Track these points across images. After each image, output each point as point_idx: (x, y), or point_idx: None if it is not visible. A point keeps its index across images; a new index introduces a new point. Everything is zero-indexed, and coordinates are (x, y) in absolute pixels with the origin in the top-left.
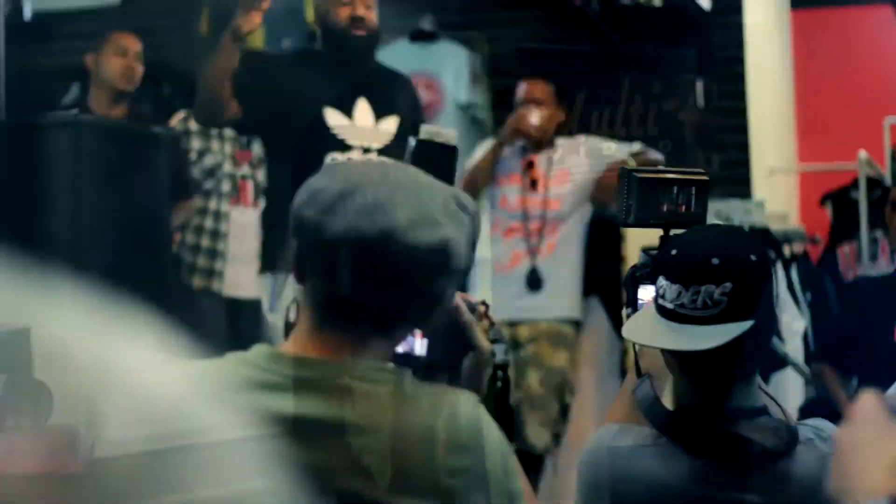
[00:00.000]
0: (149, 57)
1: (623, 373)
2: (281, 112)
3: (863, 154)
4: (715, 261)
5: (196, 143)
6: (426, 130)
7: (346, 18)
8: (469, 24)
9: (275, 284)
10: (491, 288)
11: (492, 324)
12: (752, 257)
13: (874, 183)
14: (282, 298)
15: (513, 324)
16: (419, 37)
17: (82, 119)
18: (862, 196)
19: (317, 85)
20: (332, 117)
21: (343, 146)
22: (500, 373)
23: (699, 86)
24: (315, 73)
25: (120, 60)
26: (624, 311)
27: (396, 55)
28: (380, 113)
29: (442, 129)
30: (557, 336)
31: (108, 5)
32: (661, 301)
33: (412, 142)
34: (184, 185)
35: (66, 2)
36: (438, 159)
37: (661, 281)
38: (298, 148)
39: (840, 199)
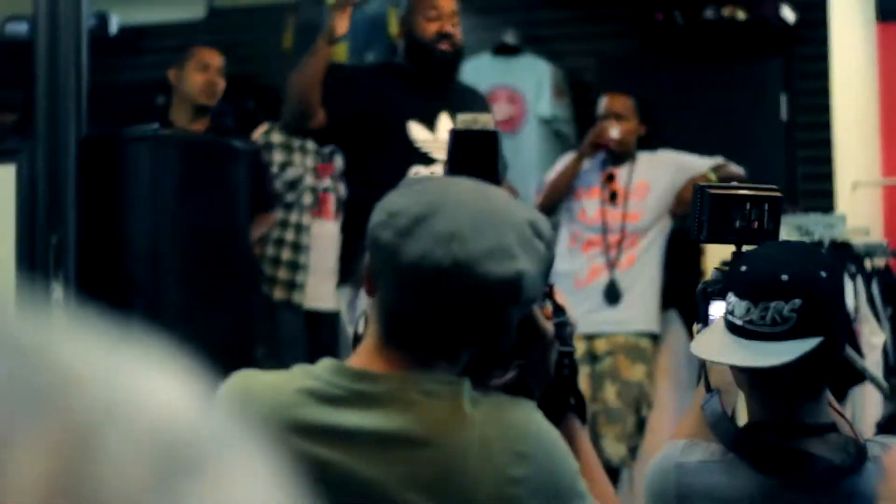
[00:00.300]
0: (232, 71)
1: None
2: (364, 123)
3: None
4: (784, 277)
5: (278, 156)
6: (462, 120)
7: (433, 34)
8: (552, 37)
9: (354, 297)
10: (570, 300)
11: (557, 308)
12: (822, 273)
13: None
14: (357, 311)
15: (590, 337)
16: (502, 50)
17: (163, 133)
18: None
19: (401, 98)
20: (416, 131)
21: (426, 160)
22: (566, 360)
23: (783, 99)
24: (399, 87)
25: (202, 75)
26: (695, 327)
27: (479, 69)
28: None
29: (479, 114)
30: (635, 349)
31: (192, 20)
32: (730, 317)
33: (449, 134)
34: (265, 198)
35: (150, 16)
36: (479, 147)
37: (731, 297)
38: (380, 160)
39: None
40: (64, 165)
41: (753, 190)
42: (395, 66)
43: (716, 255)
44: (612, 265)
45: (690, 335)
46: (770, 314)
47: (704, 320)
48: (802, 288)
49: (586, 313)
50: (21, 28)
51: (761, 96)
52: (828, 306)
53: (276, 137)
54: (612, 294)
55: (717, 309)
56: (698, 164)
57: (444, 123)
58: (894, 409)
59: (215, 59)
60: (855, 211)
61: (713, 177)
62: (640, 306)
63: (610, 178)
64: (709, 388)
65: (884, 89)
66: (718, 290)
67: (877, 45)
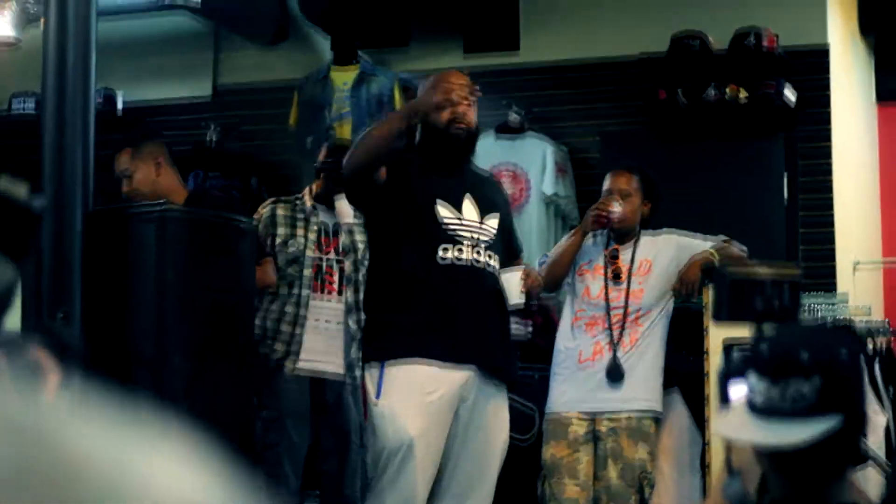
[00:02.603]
0: (237, 148)
1: (703, 466)
2: (395, 202)
3: None
4: (804, 356)
5: (281, 230)
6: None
7: (448, 117)
8: (555, 116)
9: (380, 374)
10: (573, 378)
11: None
12: (842, 352)
13: None
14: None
15: (593, 416)
16: (505, 130)
17: (170, 209)
18: None
19: (427, 179)
20: (443, 211)
21: (453, 240)
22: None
23: (785, 179)
24: (425, 168)
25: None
26: (716, 407)
27: (483, 148)
28: (483, 210)
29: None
30: (637, 429)
31: (198, 98)
32: (751, 396)
33: None
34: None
35: (157, 94)
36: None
37: (752, 376)
38: (409, 239)
39: None
40: (70, 240)
41: (773, 270)
42: (422, 147)
43: (720, 334)
44: (614, 344)
45: (692, 415)
46: (790, 392)
47: (726, 401)
48: (822, 367)
49: (589, 392)
50: (27, 105)
51: (763, 176)
52: (848, 385)
53: (281, 211)
54: (615, 374)
55: (737, 390)
56: (701, 244)
57: (468, 205)
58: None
59: (120, 163)
60: (856, 291)
61: (717, 257)
62: (643, 386)
63: (614, 256)
64: (730, 470)
65: (884, 170)
66: (739, 369)
67: (877, 126)
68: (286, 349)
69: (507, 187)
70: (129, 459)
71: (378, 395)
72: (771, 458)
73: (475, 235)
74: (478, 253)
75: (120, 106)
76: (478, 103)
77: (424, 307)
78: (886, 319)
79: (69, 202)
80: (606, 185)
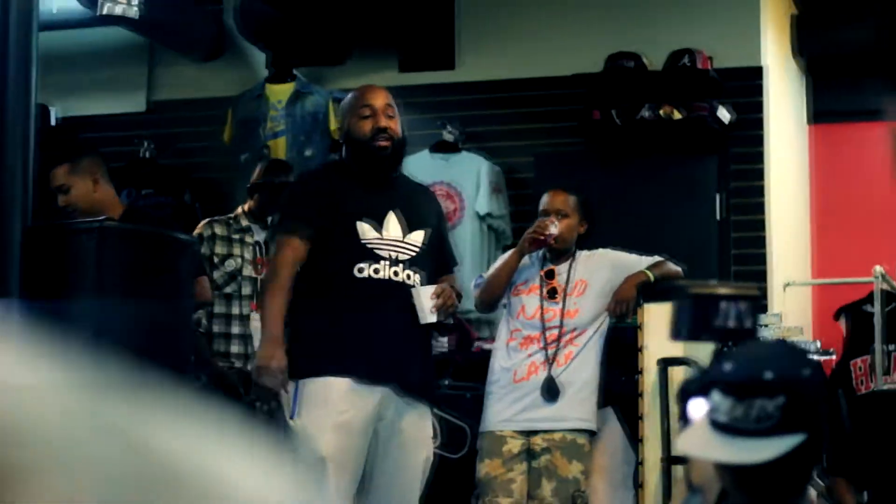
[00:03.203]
0: (171, 163)
1: (636, 484)
2: (322, 221)
3: (878, 268)
4: (768, 375)
5: (219, 248)
6: None
7: (369, 131)
8: (490, 135)
9: (296, 390)
10: (508, 397)
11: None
12: (806, 371)
13: (889, 297)
14: (303, 405)
15: (528, 433)
16: (440, 147)
17: (109, 224)
18: (877, 310)
19: (352, 197)
20: (365, 230)
21: (372, 256)
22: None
23: (719, 198)
24: (350, 186)
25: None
26: (676, 425)
27: (418, 166)
28: (410, 225)
29: None
30: (572, 447)
31: (132, 112)
32: (714, 414)
33: None
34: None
35: (92, 109)
36: None
37: (716, 394)
38: (329, 257)
39: (854, 313)
40: (8, 256)
41: (733, 290)
42: (344, 165)
43: (653, 354)
44: (550, 362)
45: (627, 433)
46: (755, 411)
47: (685, 418)
48: (786, 386)
49: (524, 410)
50: None
51: (697, 195)
52: (811, 404)
53: (218, 229)
54: (551, 391)
55: (696, 407)
56: (637, 262)
57: (393, 221)
58: None
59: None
60: (787, 310)
61: (652, 275)
62: (578, 403)
63: (549, 275)
64: (690, 487)
65: (815, 190)
66: (698, 387)
67: (809, 147)
68: (243, 366)
69: (443, 205)
70: (221, 463)
71: (293, 414)
72: (734, 475)
73: (395, 253)
74: (395, 272)
75: (53, 120)
76: (412, 120)
77: (341, 324)
78: (817, 340)
79: (8, 217)
80: (543, 204)
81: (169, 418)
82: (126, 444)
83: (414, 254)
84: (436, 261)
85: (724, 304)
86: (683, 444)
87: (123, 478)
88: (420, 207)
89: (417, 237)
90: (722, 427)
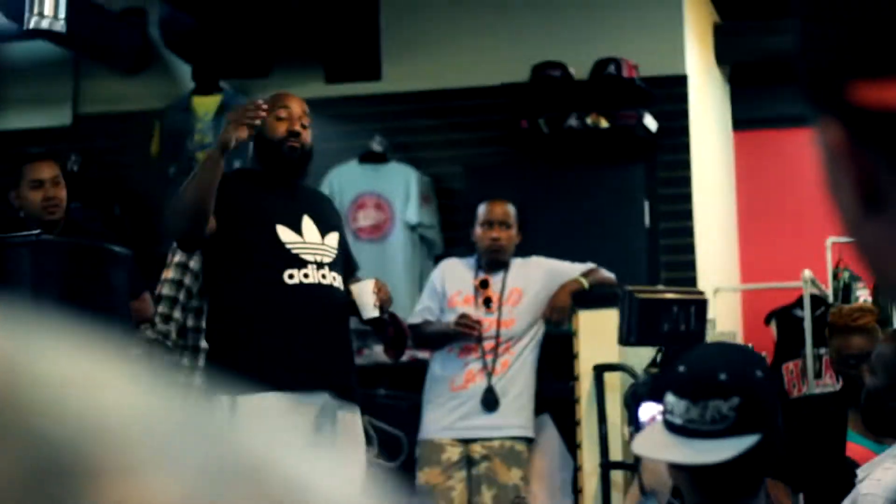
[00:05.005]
0: (98, 176)
1: (575, 490)
2: (234, 229)
3: (807, 273)
4: (722, 376)
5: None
6: None
7: (283, 133)
8: (418, 145)
9: (233, 409)
10: (446, 405)
11: None
12: (758, 372)
13: (818, 301)
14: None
15: (467, 441)
16: (369, 158)
17: (44, 238)
18: (807, 314)
19: (265, 202)
20: (284, 233)
21: (298, 262)
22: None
23: (646, 206)
24: (260, 191)
25: (37, 193)
26: (626, 429)
27: (347, 176)
28: (323, 229)
29: None
30: (511, 454)
31: (58, 125)
32: (669, 416)
33: None
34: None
35: (16, 123)
36: None
37: (670, 396)
38: (252, 265)
39: (784, 318)
40: None
41: (679, 294)
42: (252, 171)
43: (588, 360)
44: (488, 371)
45: (563, 439)
46: (709, 412)
47: (635, 422)
48: (740, 386)
49: (462, 418)
50: None
51: (625, 203)
52: (765, 404)
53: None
54: (490, 400)
55: (646, 410)
56: (570, 270)
57: (308, 225)
58: None
59: (47, 171)
60: (717, 316)
61: (585, 282)
62: (516, 411)
63: (483, 285)
64: (643, 491)
65: (740, 196)
66: (648, 391)
67: (734, 153)
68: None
69: (372, 216)
70: (301, 464)
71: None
72: (690, 476)
73: (318, 256)
74: (323, 276)
75: None
76: (339, 131)
77: (275, 334)
78: (749, 344)
79: None
80: (484, 215)
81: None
82: (207, 437)
83: (333, 257)
84: (344, 265)
85: (671, 308)
86: (639, 446)
87: (211, 471)
88: (326, 212)
89: (332, 240)
90: (677, 429)
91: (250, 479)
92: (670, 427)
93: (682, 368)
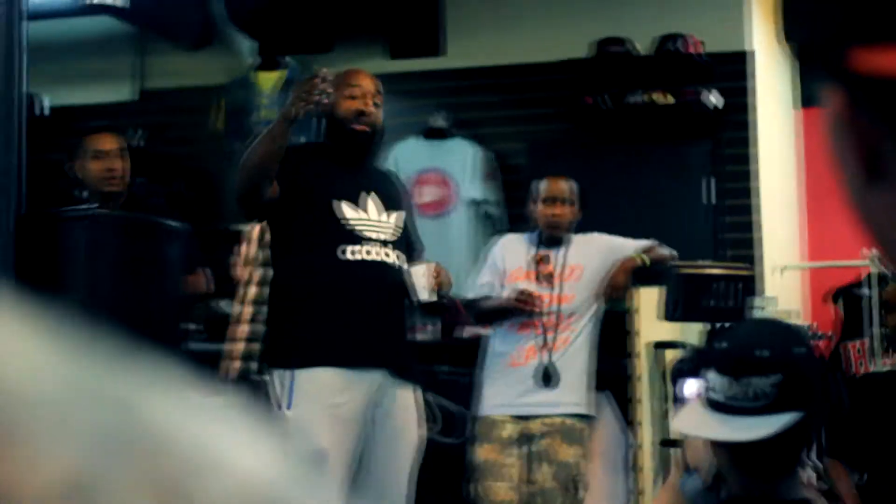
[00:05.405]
0: (162, 152)
1: (633, 468)
2: (294, 201)
3: (872, 251)
4: (764, 353)
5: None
6: None
7: (352, 113)
8: (482, 121)
9: (289, 378)
10: (504, 381)
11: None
12: (800, 350)
13: (883, 279)
14: (298, 397)
15: (525, 418)
16: (432, 134)
17: (100, 212)
18: (873, 292)
19: (328, 177)
20: (345, 209)
21: (355, 238)
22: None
23: (708, 183)
24: (325, 165)
25: (97, 164)
26: (669, 405)
27: (409, 152)
28: (387, 207)
29: None
30: (569, 431)
31: (123, 101)
32: (711, 393)
33: None
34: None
35: (82, 98)
36: None
37: (711, 373)
38: (310, 238)
39: (849, 296)
40: (1, 244)
41: (725, 269)
42: (321, 146)
43: (645, 338)
44: (546, 347)
45: (621, 417)
46: (751, 389)
47: (679, 398)
48: (782, 363)
49: (521, 394)
50: None
51: (687, 180)
52: (806, 381)
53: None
54: (547, 376)
55: (689, 387)
56: (629, 247)
57: (371, 203)
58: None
59: (108, 143)
60: (780, 294)
61: (644, 259)
62: (575, 388)
63: (543, 260)
64: (686, 468)
65: (806, 173)
66: (690, 368)
67: (799, 131)
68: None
69: (435, 192)
70: (209, 433)
71: (289, 405)
72: (730, 453)
73: (379, 234)
74: (385, 252)
75: (46, 110)
76: (402, 107)
77: (332, 310)
78: (812, 323)
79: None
80: (544, 191)
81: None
82: (117, 411)
83: (394, 235)
84: (407, 244)
85: (715, 284)
86: (679, 423)
87: (112, 444)
88: (391, 191)
89: (395, 219)
90: (718, 406)
91: (148, 451)
92: (712, 404)
93: (723, 345)
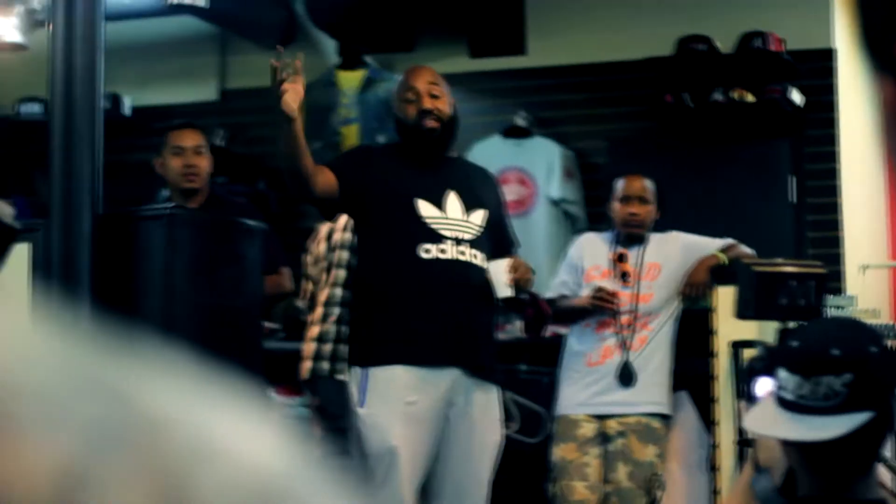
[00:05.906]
0: (243, 152)
1: (711, 469)
2: (375, 199)
3: None
4: (835, 352)
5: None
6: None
7: (413, 115)
8: (562, 119)
9: (364, 378)
10: (582, 380)
11: None
12: (873, 349)
13: None
14: (372, 394)
15: (602, 417)
16: (512, 132)
17: (178, 212)
18: None
19: (409, 176)
20: (425, 208)
21: (435, 237)
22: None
23: (792, 181)
24: (406, 165)
25: (177, 160)
26: (742, 404)
27: (490, 150)
28: (469, 205)
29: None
30: (647, 431)
31: (205, 101)
32: (781, 392)
33: None
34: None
35: (164, 98)
36: None
37: (782, 372)
38: (390, 236)
39: None
40: (79, 244)
41: (799, 267)
42: (398, 146)
43: (725, 337)
44: (625, 346)
45: (700, 416)
46: (822, 389)
47: (750, 396)
48: (853, 363)
49: (599, 393)
50: (34, 109)
51: (770, 178)
52: (879, 381)
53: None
54: (626, 375)
55: (762, 385)
56: (708, 246)
57: (452, 201)
58: None
59: (189, 139)
60: (863, 293)
61: (724, 258)
62: (652, 387)
63: (621, 259)
64: (757, 467)
65: (892, 171)
66: (765, 366)
67: (883, 129)
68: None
69: (515, 191)
70: (209, 420)
71: (363, 403)
72: (801, 453)
73: (458, 233)
74: (461, 252)
75: (128, 110)
76: (483, 106)
77: (407, 308)
78: (894, 322)
79: (77, 206)
80: (622, 190)
81: (158, 374)
82: (113, 401)
83: (474, 234)
84: (494, 243)
85: (789, 282)
86: (750, 422)
87: (107, 434)
88: (477, 189)
89: (477, 217)
90: (789, 405)
91: (144, 440)
92: (782, 403)
93: (795, 343)
